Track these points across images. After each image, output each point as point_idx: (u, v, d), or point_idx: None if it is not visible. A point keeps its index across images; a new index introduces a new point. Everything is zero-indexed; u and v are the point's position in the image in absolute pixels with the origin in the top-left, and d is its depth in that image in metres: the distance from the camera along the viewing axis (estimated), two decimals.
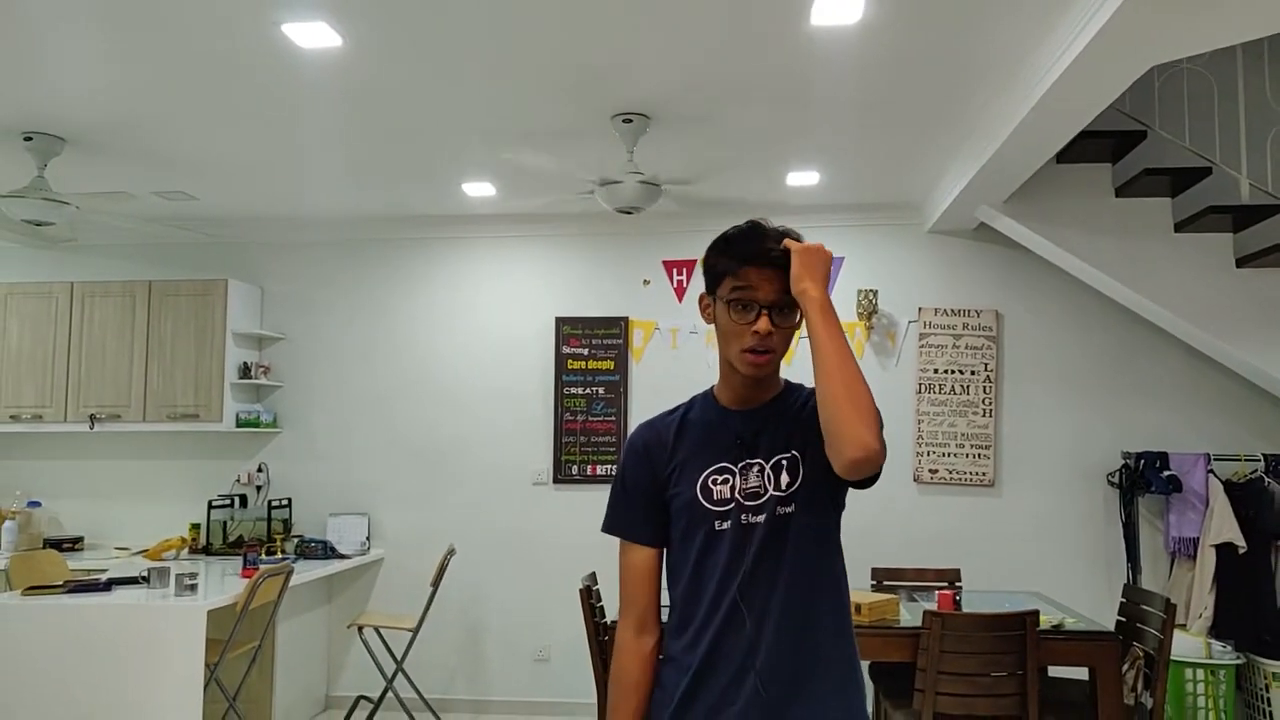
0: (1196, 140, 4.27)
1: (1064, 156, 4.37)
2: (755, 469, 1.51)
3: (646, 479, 1.57)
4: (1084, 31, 2.71)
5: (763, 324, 1.47)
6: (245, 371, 5.16)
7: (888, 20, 2.87)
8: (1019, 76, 3.28)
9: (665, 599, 1.62)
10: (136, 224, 4.52)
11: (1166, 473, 4.61)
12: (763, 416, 1.55)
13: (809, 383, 1.59)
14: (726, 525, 1.49)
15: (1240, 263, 4.28)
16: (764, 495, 1.49)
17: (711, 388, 1.65)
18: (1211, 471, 4.60)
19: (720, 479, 1.52)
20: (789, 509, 1.49)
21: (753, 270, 1.47)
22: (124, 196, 4.11)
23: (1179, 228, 4.33)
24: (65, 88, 3.40)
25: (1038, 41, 3.02)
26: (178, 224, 5.20)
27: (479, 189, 4.70)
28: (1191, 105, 4.34)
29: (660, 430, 1.59)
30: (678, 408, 1.64)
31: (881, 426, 1.43)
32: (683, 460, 1.55)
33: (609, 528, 1.61)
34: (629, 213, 3.91)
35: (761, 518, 1.49)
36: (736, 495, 1.51)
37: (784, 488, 1.50)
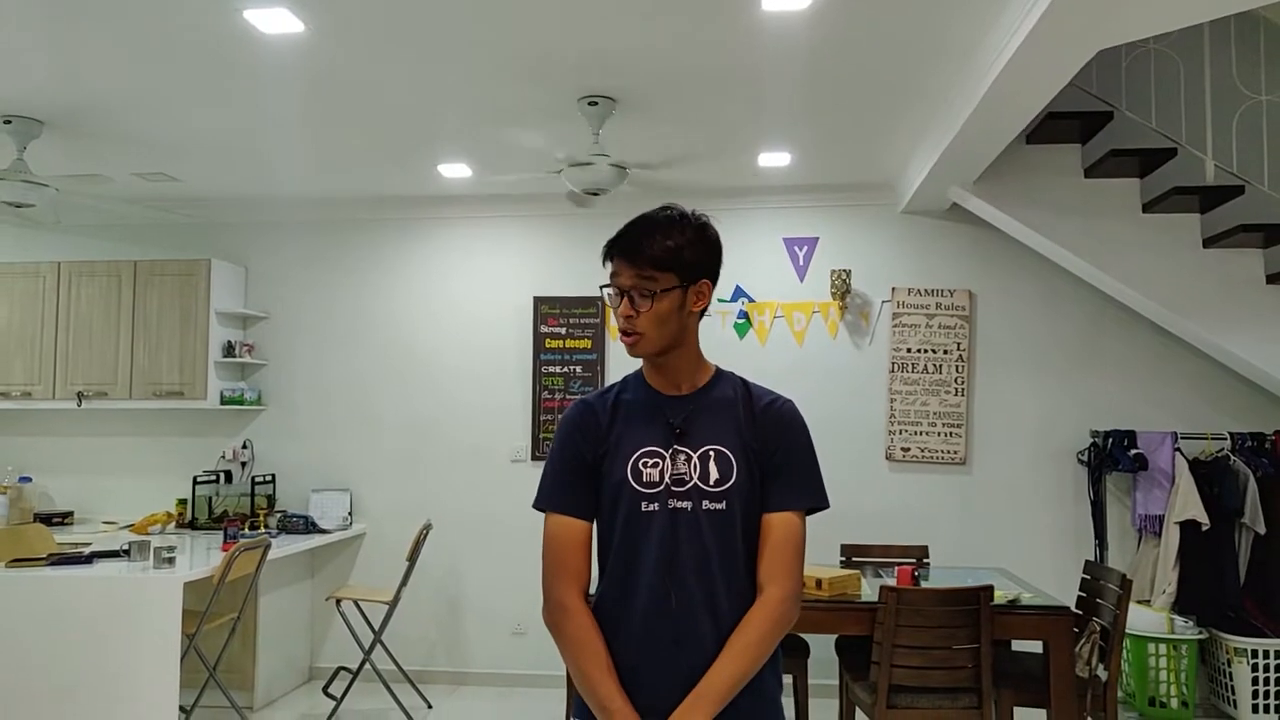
0: (1163, 121, 4.29)
1: (1033, 137, 4.40)
2: (683, 456, 1.56)
3: (583, 455, 1.61)
4: (1030, 15, 2.74)
5: (622, 307, 1.56)
6: (229, 350, 5.24)
7: (838, 4, 2.90)
8: (974, 59, 3.32)
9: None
10: (120, 205, 4.60)
11: (1134, 451, 4.66)
12: (693, 404, 1.61)
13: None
14: (654, 507, 1.55)
15: (1207, 243, 4.31)
16: (688, 482, 1.55)
17: (640, 369, 1.69)
18: (1178, 450, 4.65)
19: (650, 462, 1.57)
20: (719, 506, 1.55)
21: (617, 259, 1.58)
22: (100, 179, 4.18)
23: (1147, 208, 4.36)
24: (39, 71, 3.46)
25: (989, 25, 3.05)
26: (161, 205, 5.27)
27: (454, 170, 4.75)
28: (1158, 86, 4.35)
29: (596, 409, 1.64)
30: (611, 388, 1.69)
31: (790, 582, 1.57)
32: (615, 440, 1.60)
33: (546, 505, 1.62)
34: (595, 194, 3.96)
35: (687, 504, 1.55)
36: (665, 479, 1.56)
37: (712, 483, 1.55)
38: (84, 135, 4.18)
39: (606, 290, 1.61)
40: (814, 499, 1.61)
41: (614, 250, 1.58)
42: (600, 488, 1.60)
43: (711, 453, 1.56)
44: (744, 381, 1.67)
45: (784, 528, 1.56)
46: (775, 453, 1.58)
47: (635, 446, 1.58)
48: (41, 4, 2.90)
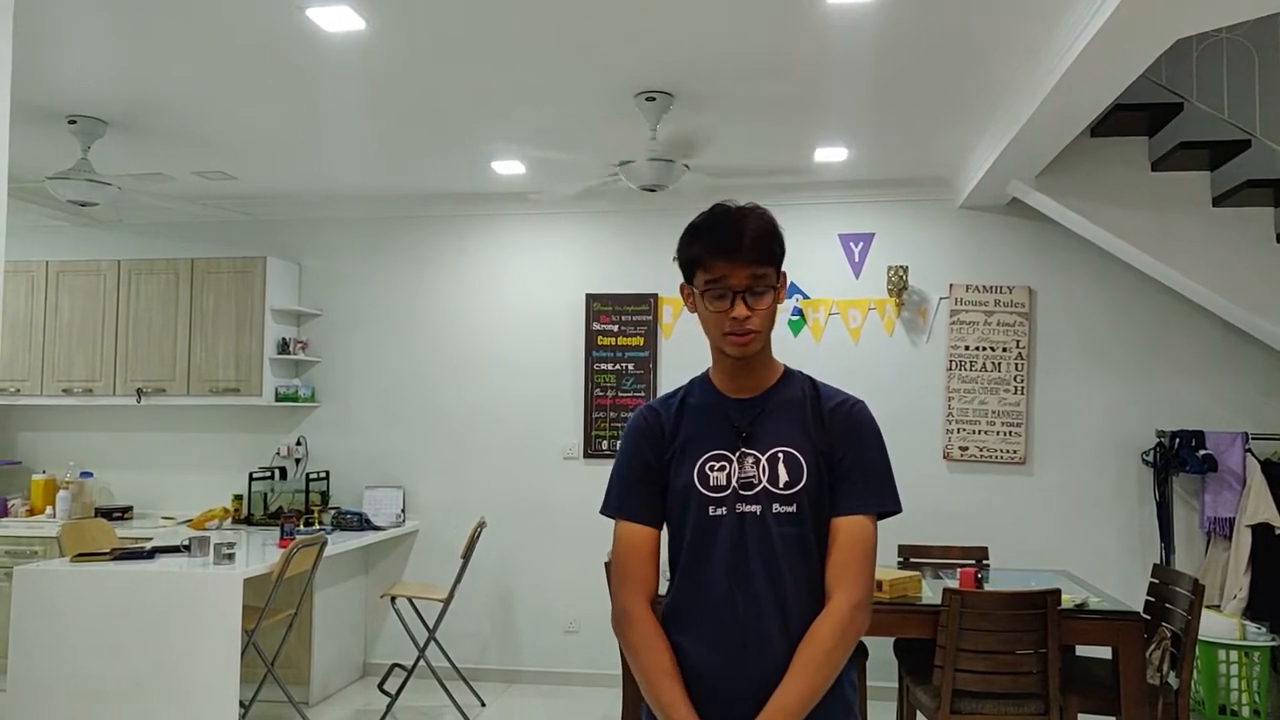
0: (1236, 112, 4.15)
1: (1098, 130, 4.28)
2: (751, 459, 1.53)
3: (649, 461, 1.60)
4: (1106, 4, 2.65)
5: (739, 310, 1.50)
6: (284, 347, 5.30)
7: None
8: (1042, 51, 3.23)
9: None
10: (178, 204, 4.67)
11: (1202, 451, 4.53)
12: (761, 405, 1.57)
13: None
14: (722, 511, 1.52)
15: None
16: (757, 486, 1.52)
17: (707, 372, 1.67)
18: (1249, 450, 4.51)
19: (717, 465, 1.54)
20: (789, 508, 1.51)
21: (720, 260, 1.51)
22: (161, 177, 4.24)
23: (1217, 202, 4.23)
24: (104, 72, 3.51)
25: (1059, 15, 2.96)
26: (218, 203, 5.34)
27: (509, 167, 4.75)
28: (1231, 76, 4.21)
29: (661, 414, 1.62)
30: (676, 391, 1.66)
31: (860, 588, 1.52)
32: (682, 445, 1.57)
33: (614, 510, 1.61)
34: (652, 190, 3.92)
35: (756, 509, 1.52)
36: (733, 483, 1.53)
37: (781, 485, 1.52)
38: (146, 134, 4.24)
39: (706, 292, 1.52)
40: (884, 502, 1.57)
41: (718, 251, 1.51)
42: (668, 493, 1.58)
43: (780, 454, 1.53)
44: (813, 381, 1.63)
45: (852, 531, 1.52)
46: (844, 455, 1.55)
47: (701, 450, 1.56)
48: (107, 6, 2.94)
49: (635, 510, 1.59)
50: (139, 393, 5.24)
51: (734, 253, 1.50)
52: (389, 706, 4.39)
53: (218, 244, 5.60)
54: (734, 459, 1.53)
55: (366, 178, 5.01)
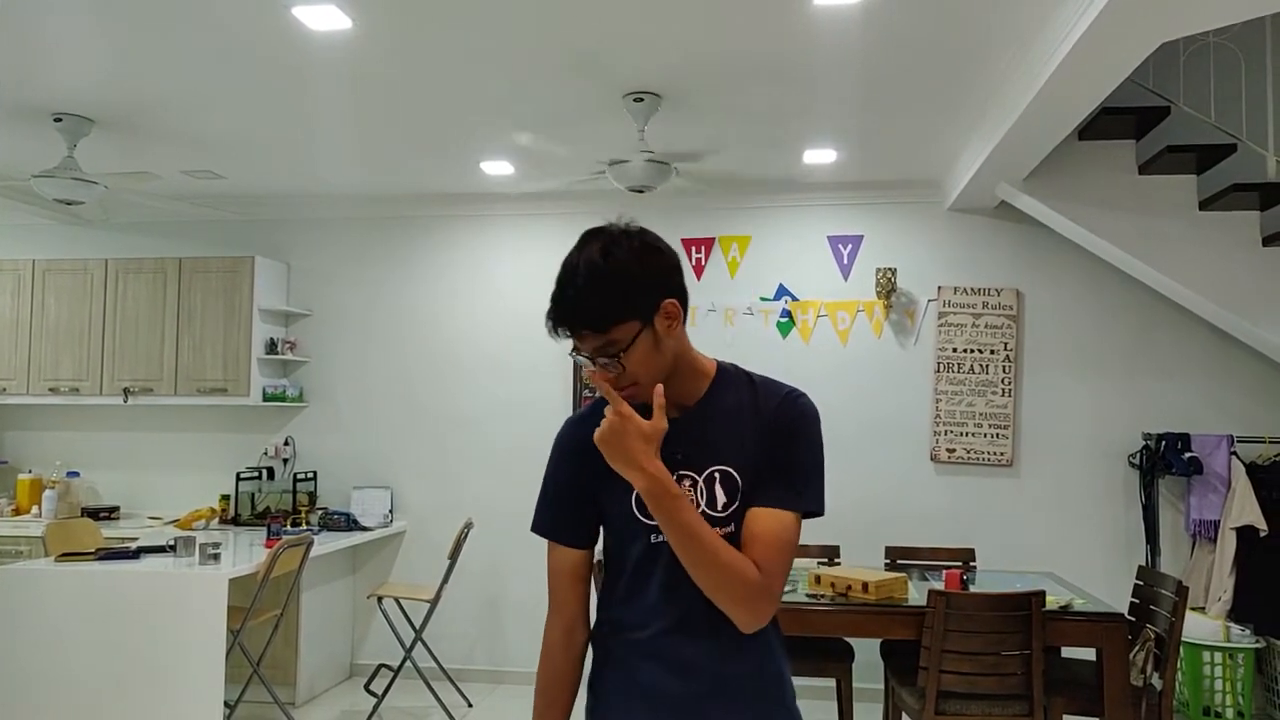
0: (1222, 116, 4.17)
1: (1085, 133, 4.30)
2: (688, 482, 1.44)
3: (576, 481, 1.49)
4: (1091, 7, 2.66)
5: (599, 374, 1.37)
6: (272, 347, 5.28)
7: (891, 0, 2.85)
8: (1029, 53, 3.24)
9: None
10: (166, 202, 4.65)
11: (1188, 454, 4.54)
12: (694, 421, 1.46)
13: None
14: (660, 540, 1.43)
15: (1267, 241, 4.19)
16: (697, 510, 1.40)
17: None
18: (1234, 454, 4.53)
19: None
20: (728, 529, 1.42)
21: (563, 331, 1.38)
22: (148, 176, 4.22)
23: (1203, 206, 4.25)
24: (90, 70, 3.49)
25: (1045, 18, 2.97)
26: (206, 202, 5.32)
27: (497, 167, 4.75)
28: (1217, 80, 4.23)
29: (586, 430, 1.44)
30: (601, 403, 1.44)
31: (771, 577, 1.36)
32: (612, 469, 1.40)
33: (537, 528, 1.53)
34: (640, 191, 3.92)
35: None
36: None
37: (720, 508, 1.42)
38: (133, 133, 4.22)
39: (576, 356, 1.41)
40: (809, 501, 1.43)
41: (557, 324, 1.37)
42: (603, 515, 1.50)
43: (717, 474, 1.43)
44: (750, 379, 1.49)
45: (775, 521, 1.38)
46: (780, 449, 1.43)
47: None
48: (93, 4, 2.93)
49: (557, 532, 1.50)
50: (126, 392, 5.22)
51: (567, 326, 1.36)
52: (375, 707, 4.37)
53: (206, 243, 5.58)
54: None
55: (355, 177, 5.00)
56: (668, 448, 1.42)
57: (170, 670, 3.55)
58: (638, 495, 1.41)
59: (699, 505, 1.42)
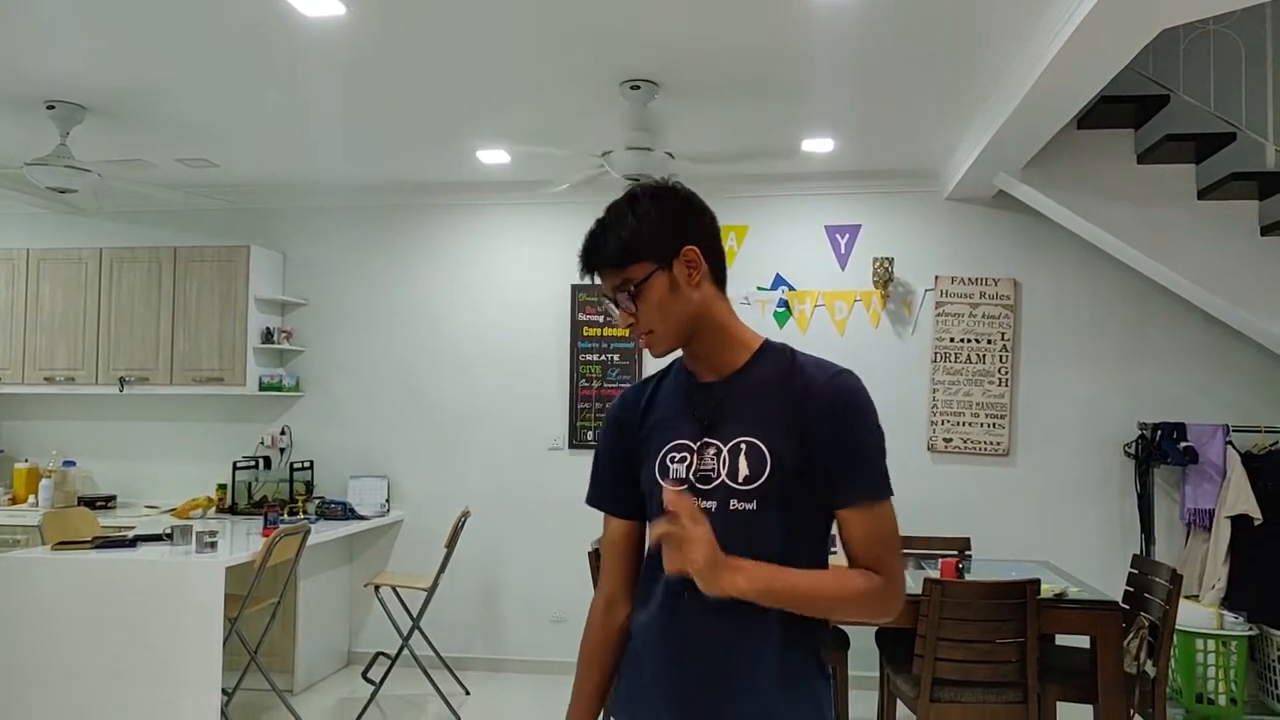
0: (1222, 105, 4.16)
1: (1084, 122, 4.29)
2: (712, 450, 1.41)
3: (619, 452, 1.53)
4: None
5: (619, 317, 1.46)
6: (268, 336, 5.27)
7: None
8: (1027, 42, 3.22)
9: None
10: (160, 190, 4.62)
11: (1183, 444, 4.55)
12: (727, 390, 1.44)
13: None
14: None
15: (1265, 231, 4.18)
16: (715, 480, 1.40)
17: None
18: (1230, 443, 4.54)
19: (678, 457, 1.43)
20: (748, 505, 1.38)
21: (591, 272, 1.48)
22: (142, 164, 4.20)
23: (1202, 195, 4.24)
24: (82, 56, 3.47)
25: (1045, 5, 2.96)
26: (200, 191, 5.30)
27: (493, 156, 4.73)
28: (1217, 68, 4.22)
29: (631, 403, 1.54)
30: (654, 375, 1.56)
31: (893, 577, 1.36)
32: (647, 435, 1.49)
33: (590, 500, 1.57)
34: (637, 180, 3.91)
35: (712, 504, 1.39)
36: (690, 476, 1.42)
37: (740, 480, 1.38)
38: (126, 120, 4.20)
39: (607, 302, 1.50)
40: (889, 481, 1.40)
41: (582, 264, 1.48)
42: (641, 485, 1.52)
43: (743, 445, 1.39)
44: (793, 356, 1.45)
45: (875, 520, 1.37)
46: (836, 439, 1.37)
47: (665, 441, 1.45)
48: None
49: (605, 502, 1.55)
50: (121, 382, 5.21)
51: (591, 263, 1.47)
52: (373, 695, 4.39)
53: (201, 232, 5.56)
54: (695, 449, 1.42)
55: (350, 166, 4.98)
56: (697, 412, 1.45)
57: (167, 657, 3.55)
58: (662, 460, 1.45)
59: (719, 474, 1.40)
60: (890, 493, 1.40)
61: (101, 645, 3.58)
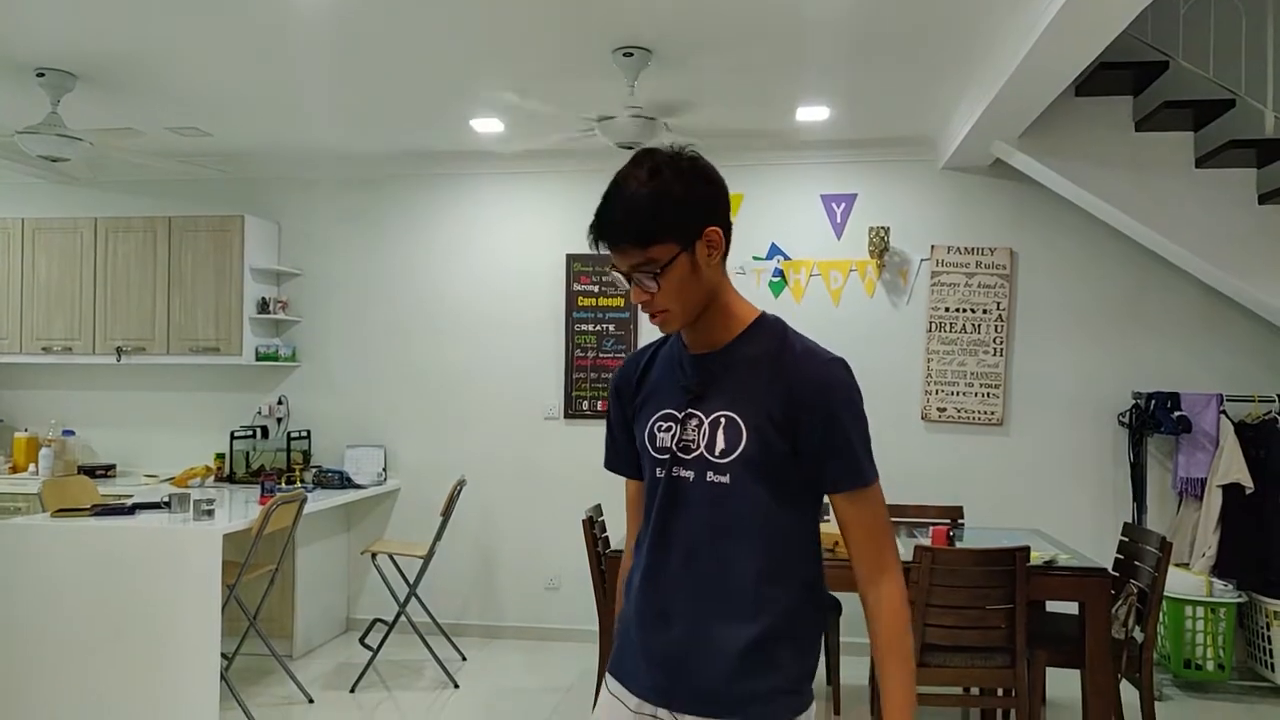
0: (1221, 71, 4.12)
1: (1082, 89, 4.25)
2: (694, 421, 1.43)
3: (620, 417, 1.59)
4: None
5: (634, 295, 1.41)
6: (263, 306, 5.27)
7: None
8: (1024, 5, 3.19)
9: None
10: (154, 160, 4.61)
11: (1177, 413, 4.56)
12: (717, 364, 1.45)
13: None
14: (662, 475, 1.45)
15: (1263, 199, 4.16)
16: (695, 451, 1.42)
17: None
18: (1224, 412, 4.55)
19: (664, 426, 1.46)
20: (722, 479, 1.40)
21: (604, 245, 1.39)
22: (133, 132, 4.18)
23: (1200, 163, 4.21)
24: (72, 23, 3.44)
25: None
26: (194, 160, 5.27)
27: (487, 125, 4.70)
28: (1217, 34, 4.18)
29: (629, 371, 1.58)
30: (654, 343, 1.58)
31: (890, 561, 1.42)
32: (641, 403, 1.53)
33: (607, 464, 1.66)
34: (630, 148, 3.89)
35: (690, 474, 1.43)
36: (672, 445, 1.44)
37: (717, 453, 1.41)
38: (116, 88, 4.17)
39: (614, 273, 1.43)
40: (875, 467, 1.42)
41: (598, 236, 1.39)
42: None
43: (722, 419, 1.40)
44: (786, 334, 1.45)
45: (867, 505, 1.40)
46: (823, 425, 1.38)
47: (655, 409, 1.49)
48: None
49: (617, 464, 1.63)
50: (119, 351, 5.22)
51: (610, 240, 1.38)
52: (370, 660, 4.44)
53: (195, 202, 5.55)
54: (680, 419, 1.44)
55: (344, 136, 4.95)
56: (684, 383, 1.47)
57: (167, 622, 3.60)
58: (650, 428, 1.48)
59: (699, 445, 1.43)
60: (876, 476, 1.42)
61: (101, 610, 3.62)
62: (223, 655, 3.70)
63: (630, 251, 1.36)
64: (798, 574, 1.43)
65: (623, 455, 1.60)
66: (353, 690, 4.30)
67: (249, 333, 5.18)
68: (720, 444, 1.40)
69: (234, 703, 3.83)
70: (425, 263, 5.39)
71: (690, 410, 1.44)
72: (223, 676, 3.70)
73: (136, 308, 5.22)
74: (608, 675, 1.55)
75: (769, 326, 1.47)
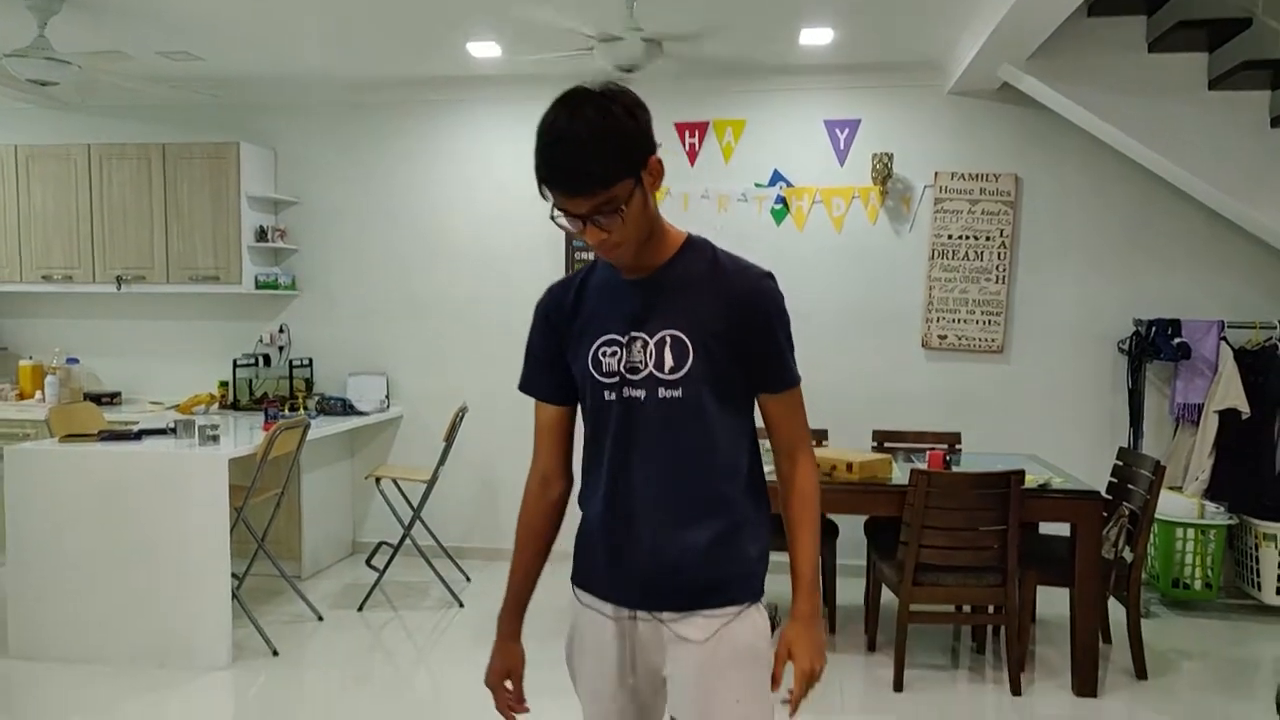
0: None
1: (1095, 8, 4.15)
2: (639, 343, 1.49)
3: (549, 342, 1.59)
4: None
5: (590, 236, 1.40)
6: (261, 235, 5.25)
7: None
8: None
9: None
10: (146, 85, 4.53)
11: (1177, 340, 4.57)
12: (655, 286, 1.50)
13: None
14: (613, 397, 1.50)
15: (1275, 122, 4.10)
16: (643, 371, 1.48)
17: None
18: (1224, 339, 4.56)
19: (609, 351, 1.50)
20: (675, 393, 1.47)
21: (554, 190, 1.36)
22: (121, 55, 4.10)
23: (1213, 85, 4.14)
24: None
25: None
26: (186, 85, 5.18)
27: (483, 49, 4.60)
28: None
29: (560, 297, 1.59)
30: (580, 270, 1.60)
31: (806, 443, 1.58)
32: (580, 328, 1.55)
33: (521, 385, 1.65)
34: (629, 71, 3.82)
35: (641, 393, 1.48)
36: (620, 369, 1.49)
37: (667, 370, 1.47)
38: (103, 10, 4.08)
39: (559, 220, 1.42)
40: (795, 374, 1.55)
41: (547, 181, 1.37)
42: (574, 375, 1.58)
43: (668, 338, 1.47)
44: (715, 253, 1.52)
45: (790, 405, 1.55)
46: (757, 336, 1.48)
47: (597, 335, 1.52)
48: None
49: (539, 390, 1.63)
50: (119, 280, 5.22)
51: (560, 184, 1.35)
52: (377, 580, 4.55)
53: (188, 129, 5.47)
54: (624, 343, 1.49)
55: (339, 61, 4.85)
56: (624, 308, 1.51)
57: (177, 543, 3.67)
58: (594, 354, 1.52)
59: (647, 365, 1.48)
60: (799, 377, 1.57)
61: (112, 531, 3.69)
62: (233, 575, 3.79)
63: (594, 195, 1.35)
64: (743, 468, 1.55)
65: (546, 380, 1.60)
66: (360, 609, 4.41)
67: (248, 261, 5.17)
68: (669, 361, 1.47)
69: (246, 620, 3.93)
70: (425, 188, 5.34)
71: (634, 333, 1.49)
72: (234, 595, 3.80)
73: (134, 236, 5.20)
74: (575, 590, 1.64)
75: (699, 247, 1.53)
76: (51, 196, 5.25)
